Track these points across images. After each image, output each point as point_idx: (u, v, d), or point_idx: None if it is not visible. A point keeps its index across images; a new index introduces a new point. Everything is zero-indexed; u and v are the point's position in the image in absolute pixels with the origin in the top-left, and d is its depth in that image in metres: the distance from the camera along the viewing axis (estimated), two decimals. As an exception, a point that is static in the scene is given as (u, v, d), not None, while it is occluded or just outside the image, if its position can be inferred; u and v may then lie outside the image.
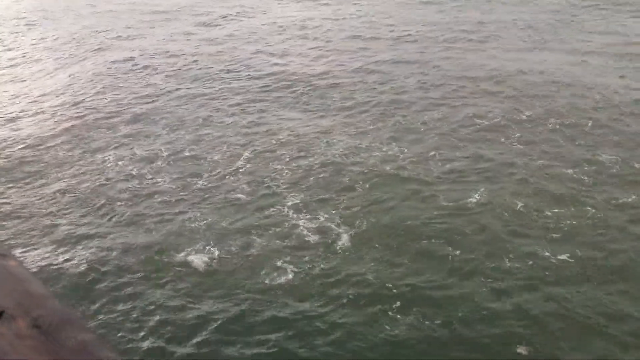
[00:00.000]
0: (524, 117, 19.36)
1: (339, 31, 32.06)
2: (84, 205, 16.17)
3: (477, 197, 14.92)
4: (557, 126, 18.60)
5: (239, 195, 15.89)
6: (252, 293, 12.23)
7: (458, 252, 12.91)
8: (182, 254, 13.67)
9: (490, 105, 20.63)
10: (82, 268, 13.49)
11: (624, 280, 11.90)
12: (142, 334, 11.45)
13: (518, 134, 18.20)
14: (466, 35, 29.63)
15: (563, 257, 12.60)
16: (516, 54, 26.19)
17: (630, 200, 14.50)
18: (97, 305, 12.33)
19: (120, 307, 12.25)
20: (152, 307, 12.17)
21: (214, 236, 14.21)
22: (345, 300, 11.78)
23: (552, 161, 16.55)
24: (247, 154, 18.17)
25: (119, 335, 11.45)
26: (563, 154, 16.96)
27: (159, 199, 16.07)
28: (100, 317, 12.00)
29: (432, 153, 17.39)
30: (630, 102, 20.15)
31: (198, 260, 13.41)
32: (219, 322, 11.54)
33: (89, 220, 15.44)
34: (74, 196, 16.65)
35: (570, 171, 15.90)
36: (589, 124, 18.55)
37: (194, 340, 11.17)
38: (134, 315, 11.97)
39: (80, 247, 14.31)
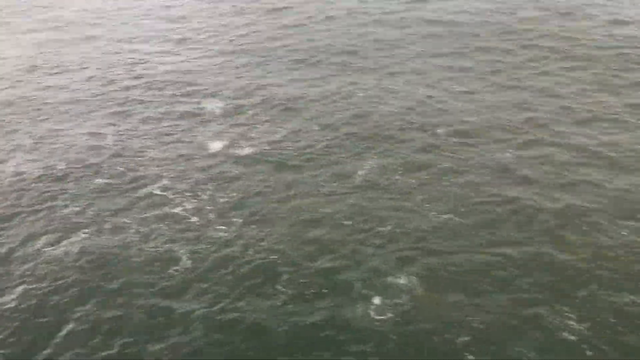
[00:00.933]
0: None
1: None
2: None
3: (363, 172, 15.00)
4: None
5: (109, 180, 15.15)
6: (134, 286, 11.52)
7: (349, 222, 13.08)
8: (52, 245, 12.74)
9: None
10: None
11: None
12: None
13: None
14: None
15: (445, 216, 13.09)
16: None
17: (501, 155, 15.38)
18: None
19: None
20: (15, 306, 11.22)
21: (88, 223, 13.43)
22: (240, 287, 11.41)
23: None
24: (113, 138, 17.38)
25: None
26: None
27: (27, 191, 14.98)
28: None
29: (314, 127, 17.30)
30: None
31: (68, 250, 12.50)
32: (87, 319, 10.82)
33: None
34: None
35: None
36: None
37: (52, 342, 10.36)
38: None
39: None
